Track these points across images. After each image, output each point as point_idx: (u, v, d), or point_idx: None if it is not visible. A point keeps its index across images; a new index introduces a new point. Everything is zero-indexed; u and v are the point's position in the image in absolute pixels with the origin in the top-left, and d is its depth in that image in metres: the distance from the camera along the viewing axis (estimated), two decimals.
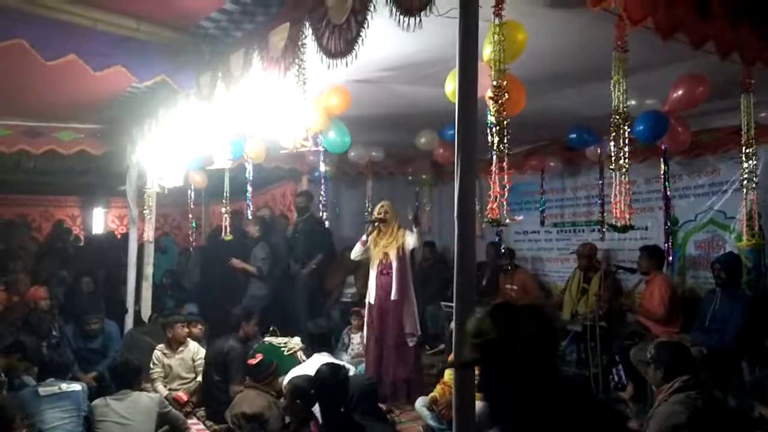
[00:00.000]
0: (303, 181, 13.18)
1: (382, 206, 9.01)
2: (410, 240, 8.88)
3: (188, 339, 9.30)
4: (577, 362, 9.61)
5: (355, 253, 9.25)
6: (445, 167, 12.65)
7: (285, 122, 6.37)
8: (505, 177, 4.76)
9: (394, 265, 8.84)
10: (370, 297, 9.04)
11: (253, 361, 7.78)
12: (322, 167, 11.97)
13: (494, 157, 4.79)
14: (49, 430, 6.57)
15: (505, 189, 4.73)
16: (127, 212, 12.67)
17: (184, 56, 6.74)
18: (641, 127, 8.06)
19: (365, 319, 9.19)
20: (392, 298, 8.79)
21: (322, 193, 12.28)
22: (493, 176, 4.80)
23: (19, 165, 10.97)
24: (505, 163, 4.78)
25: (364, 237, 9.09)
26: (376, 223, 8.95)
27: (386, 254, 8.96)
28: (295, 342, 9.07)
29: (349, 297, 11.72)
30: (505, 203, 4.74)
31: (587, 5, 4.49)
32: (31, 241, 14.24)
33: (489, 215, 4.78)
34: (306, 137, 6.40)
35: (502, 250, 12.02)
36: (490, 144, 4.82)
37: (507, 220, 4.81)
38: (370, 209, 12.23)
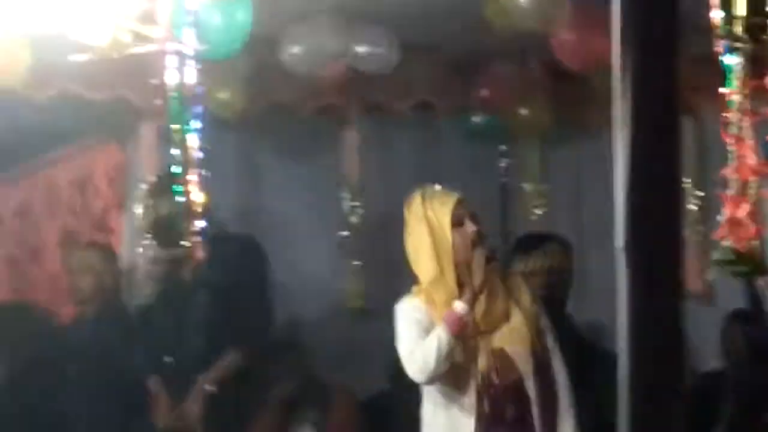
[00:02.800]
0: (145, 139, 6.39)
1: (459, 200, 3.94)
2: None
3: None
4: None
5: (447, 354, 3.76)
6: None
7: None
8: None
9: (535, 385, 3.83)
10: None
11: None
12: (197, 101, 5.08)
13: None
14: None
15: None
16: None
17: None
18: None
19: None
20: None
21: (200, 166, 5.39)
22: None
23: None
24: None
25: (459, 305, 3.79)
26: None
27: (501, 355, 3.85)
28: None
29: None
30: None
31: None
32: None
33: (726, 241, 2.44)
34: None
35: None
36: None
37: None
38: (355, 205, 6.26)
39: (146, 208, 5.90)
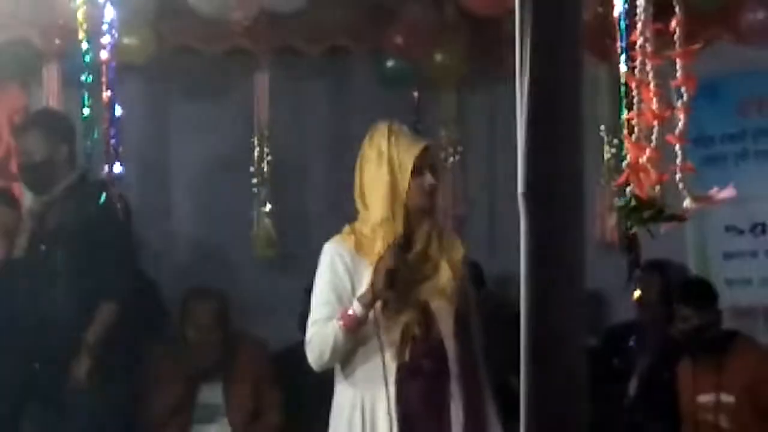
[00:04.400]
0: (48, 82, 6.12)
1: (426, 148, 3.78)
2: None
3: None
4: None
5: (341, 349, 3.69)
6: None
7: None
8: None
9: (454, 343, 3.74)
10: None
11: None
12: (104, 40, 5.01)
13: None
14: None
15: (682, 102, 2.40)
16: None
17: None
18: None
19: None
20: None
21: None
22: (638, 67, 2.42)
23: None
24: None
25: (356, 306, 3.63)
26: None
27: (424, 308, 3.75)
28: None
29: None
30: (680, 148, 2.41)
31: None
32: None
33: (629, 186, 2.43)
34: None
35: (685, 289, 5.54)
36: None
37: (689, 202, 2.39)
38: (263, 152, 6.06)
39: (16, 148, 5.66)
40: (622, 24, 3.39)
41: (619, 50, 3.98)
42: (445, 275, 3.74)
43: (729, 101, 5.87)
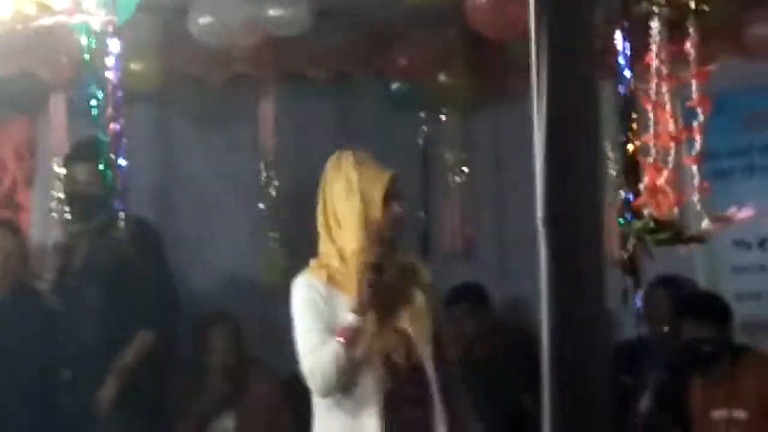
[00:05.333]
0: (54, 113, 6.08)
1: (392, 177, 3.76)
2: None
3: None
4: None
5: (346, 366, 3.60)
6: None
7: None
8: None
9: (431, 368, 3.73)
10: None
11: None
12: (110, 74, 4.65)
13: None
14: None
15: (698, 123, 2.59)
16: None
17: None
18: None
19: None
20: None
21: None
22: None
23: None
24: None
25: (351, 318, 3.60)
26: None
27: (404, 333, 3.74)
28: None
29: None
30: (698, 170, 2.52)
31: None
32: None
33: (646, 209, 2.45)
34: None
35: (697, 303, 5.57)
36: None
37: (707, 224, 2.45)
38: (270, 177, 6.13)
39: (64, 176, 5.68)
40: (625, 43, 3.40)
41: (620, 68, 4.00)
42: (419, 300, 3.72)
43: (735, 116, 5.82)
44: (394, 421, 3.60)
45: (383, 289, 3.58)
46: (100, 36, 5.06)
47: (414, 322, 3.67)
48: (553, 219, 2.20)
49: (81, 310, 5.37)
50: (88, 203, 5.16)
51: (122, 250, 5.16)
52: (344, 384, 3.59)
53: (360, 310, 3.52)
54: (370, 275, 3.52)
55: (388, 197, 3.62)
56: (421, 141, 6.54)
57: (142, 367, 5.28)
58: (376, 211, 3.59)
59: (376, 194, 3.59)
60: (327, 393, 3.61)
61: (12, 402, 5.32)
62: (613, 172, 5.90)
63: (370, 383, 3.59)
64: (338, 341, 3.53)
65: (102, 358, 5.25)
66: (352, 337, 3.51)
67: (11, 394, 5.32)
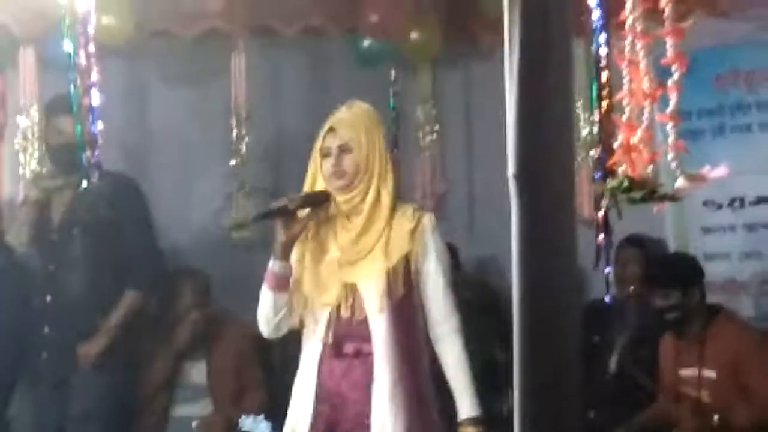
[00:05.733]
0: (24, 67, 5.93)
1: (330, 129, 3.64)
2: (434, 250, 3.64)
3: None
4: None
5: (270, 311, 3.71)
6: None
7: None
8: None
9: (381, 324, 3.56)
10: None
11: None
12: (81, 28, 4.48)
13: None
14: None
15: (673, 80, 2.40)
16: None
17: None
18: None
19: None
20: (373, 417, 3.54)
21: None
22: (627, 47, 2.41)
23: None
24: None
25: (272, 262, 3.65)
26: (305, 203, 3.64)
27: (352, 290, 3.62)
28: None
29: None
30: (672, 128, 2.39)
31: None
32: None
33: (617, 166, 2.43)
34: None
35: (666, 264, 5.65)
36: None
37: (682, 182, 2.33)
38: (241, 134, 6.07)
39: (45, 128, 5.54)
40: None
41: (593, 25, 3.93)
42: (378, 255, 3.62)
43: (706, 76, 5.75)
44: (327, 374, 3.59)
45: (296, 238, 3.59)
46: None
47: (367, 277, 3.59)
48: (524, 175, 2.18)
49: (63, 264, 5.31)
50: (73, 155, 5.08)
51: (105, 203, 5.14)
52: (274, 327, 3.70)
53: (279, 254, 3.58)
54: (283, 222, 3.56)
55: (326, 152, 3.58)
56: (392, 97, 6.43)
57: (129, 325, 5.30)
58: (316, 165, 3.63)
59: (318, 147, 3.61)
60: (267, 334, 3.76)
61: None
62: (585, 131, 5.93)
63: (319, 334, 3.62)
64: (264, 286, 3.65)
65: (83, 315, 5.22)
66: (273, 281, 3.60)
67: None
